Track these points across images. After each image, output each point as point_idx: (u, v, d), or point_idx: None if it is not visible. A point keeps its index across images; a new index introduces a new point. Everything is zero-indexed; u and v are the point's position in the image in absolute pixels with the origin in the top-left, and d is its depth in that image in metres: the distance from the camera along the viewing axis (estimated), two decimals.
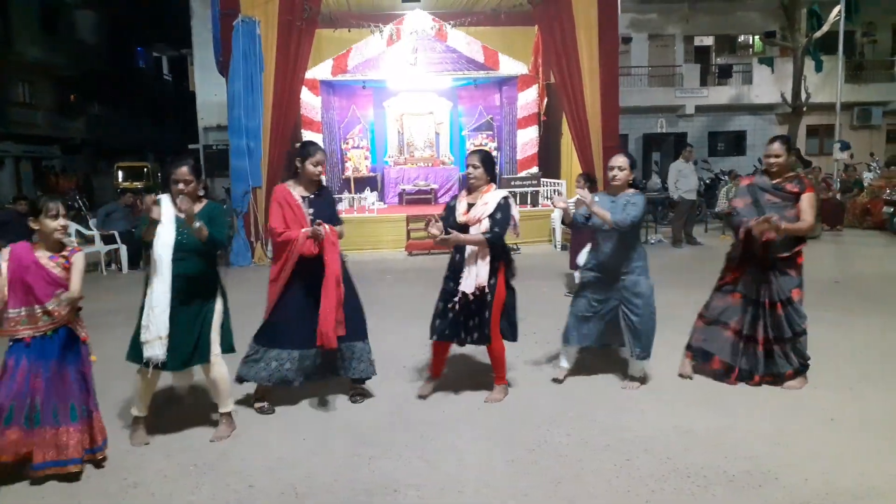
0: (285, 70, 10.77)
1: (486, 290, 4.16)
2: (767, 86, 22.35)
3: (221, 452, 3.69)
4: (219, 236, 3.82)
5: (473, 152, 4.33)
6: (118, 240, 10.07)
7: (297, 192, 4.22)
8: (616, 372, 4.88)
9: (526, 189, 12.58)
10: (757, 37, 24.06)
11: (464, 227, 4.18)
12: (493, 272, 4.17)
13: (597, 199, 4.42)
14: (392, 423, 4.06)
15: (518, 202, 12.38)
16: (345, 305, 4.14)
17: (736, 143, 24.07)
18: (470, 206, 4.24)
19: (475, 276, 4.13)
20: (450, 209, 4.33)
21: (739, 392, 4.41)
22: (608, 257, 4.43)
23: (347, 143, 14.96)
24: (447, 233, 4.10)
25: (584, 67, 11.07)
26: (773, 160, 4.37)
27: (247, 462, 3.57)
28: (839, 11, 17.20)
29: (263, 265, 10.58)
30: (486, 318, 4.20)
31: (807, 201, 4.27)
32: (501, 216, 4.16)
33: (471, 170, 4.27)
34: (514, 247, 11.22)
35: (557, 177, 13.25)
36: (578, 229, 4.90)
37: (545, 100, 14.16)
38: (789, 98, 20.10)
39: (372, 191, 13.60)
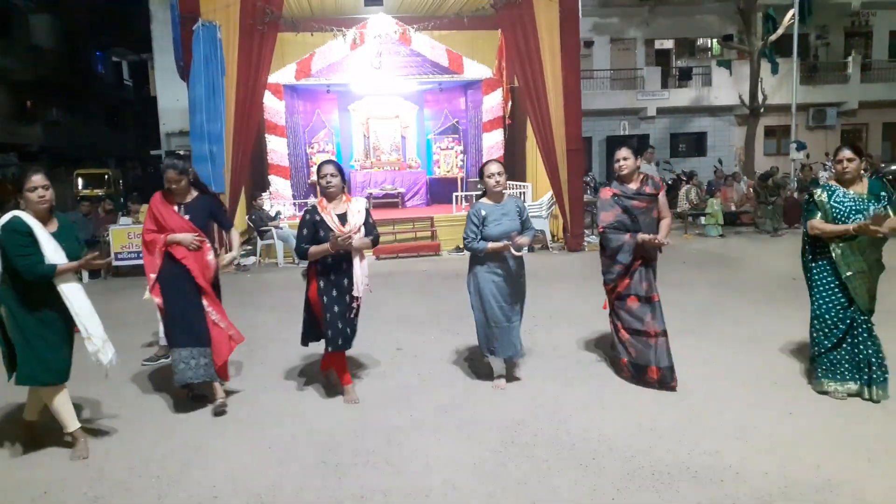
0: (247, 74, 10.66)
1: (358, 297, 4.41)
2: (726, 88, 22.84)
3: (185, 463, 3.63)
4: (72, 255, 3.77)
5: (327, 162, 4.38)
6: None
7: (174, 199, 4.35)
8: (582, 372, 4.94)
9: None
10: (715, 40, 24.59)
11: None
12: None
13: (483, 211, 4.46)
14: (357, 429, 4.04)
15: None
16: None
17: (697, 144, 24.52)
18: (340, 216, 4.32)
19: (362, 280, 4.36)
20: (313, 223, 4.30)
21: (699, 388, 4.49)
22: (514, 264, 4.55)
23: (313, 148, 14.85)
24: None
25: (546, 71, 11.16)
26: (621, 163, 4.61)
27: (211, 472, 3.52)
28: (793, 15, 17.67)
29: (227, 272, 10.44)
30: (355, 324, 4.50)
31: (664, 198, 4.64)
32: (372, 220, 4.50)
33: (329, 178, 4.30)
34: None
35: (523, 179, 13.34)
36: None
37: (510, 103, 14.25)
38: (747, 100, 20.61)
39: None
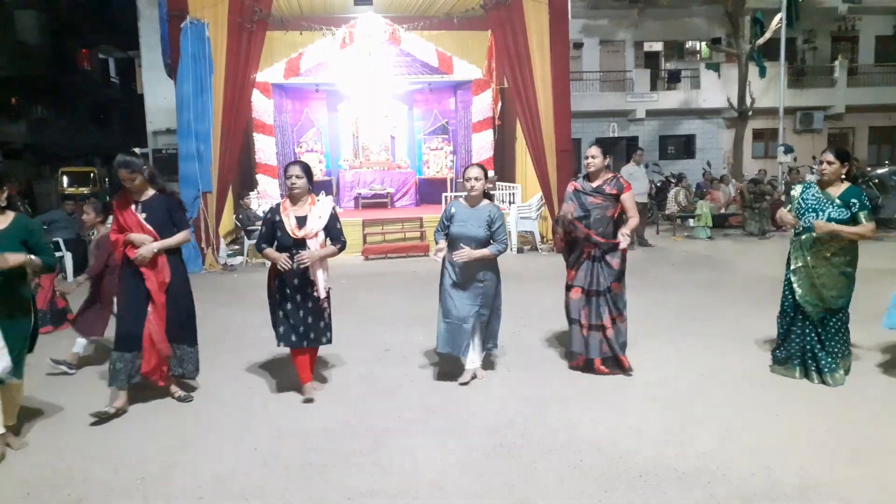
0: (236, 73, 10.60)
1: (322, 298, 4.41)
2: (715, 91, 22.96)
3: (170, 464, 3.60)
4: (48, 262, 3.80)
5: (294, 163, 4.36)
6: (63, 248, 9.74)
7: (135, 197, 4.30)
8: (570, 373, 4.94)
9: None
10: (704, 43, 24.72)
11: (301, 242, 4.28)
12: None
13: (453, 209, 4.65)
14: (344, 429, 4.01)
15: None
16: (179, 311, 4.35)
17: (686, 147, 24.64)
18: (299, 219, 4.30)
19: (323, 281, 4.38)
20: (271, 224, 4.33)
21: (687, 390, 4.51)
22: (466, 268, 4.56)
23: (301, 147, 14.80)
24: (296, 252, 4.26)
25: (536, 72, 11.18)
26: (589, 160, 4.74)
27: (196, 473, 3.48)
28: (780, 19, 17.80)
29: (215, 272, 10.39)
30: (329, 320, 4.51)
31: (629, 199, 4.72)
32: (339, 225, 4.45)
33: (294, 179, 4.28)
34: None
35: (513, 180, 13.35)
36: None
37: (500, 104, 14.26)
38: (735, 103, 20.73)
39: (327, 195, 13.38)
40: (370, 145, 15.22)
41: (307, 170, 4.37)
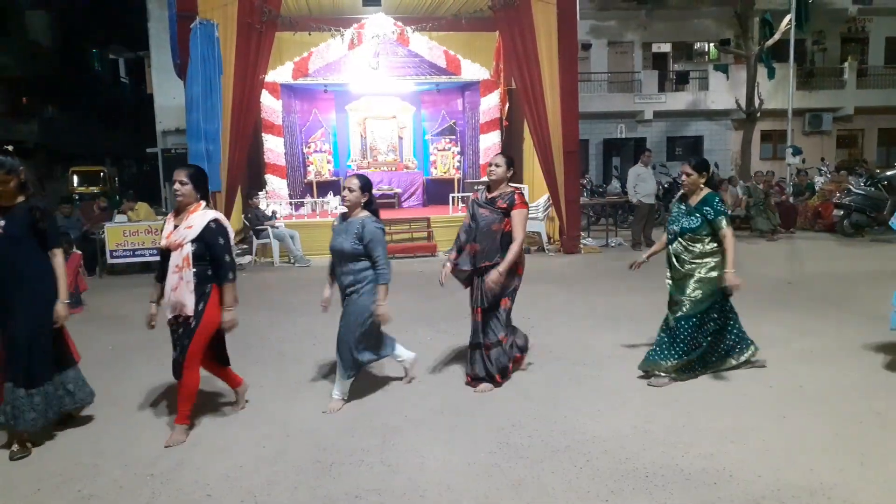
0: (244, 73, 10.66)
1: (192, 318, 3.82)
2: (723, 92, 22.91)
3: (178, 461, 3.63)
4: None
5: (181, 168, 3.96)
6: (73, 247, 9.80)
7: None
8: (576, 374, 4.94)
9: None
10: (712, 44, 24.66)
11: (166, 254, 3.87)
12: (200, 297, 3.83)
13: (336, 221, 4.44)
14: (352, 428, 4.03)
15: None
16: (42, 336, 3.75)
17: (693, 148, 24.59)
18: (176, 227, 3.89)
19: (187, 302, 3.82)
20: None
21: (695, 391, 4.51)
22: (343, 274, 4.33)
23: (309, 147, 14.84)
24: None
25: (544, 73, 11.18)
26: (493, 168, 4.60)
27: (204, 470, 3.51)
28: (790, 20, 17.72)
29: None
30: (185, 346, 3.84)
31: (517, 217, 4.49)
32: (224, 241, 3.85)
33: (178, 186, 3.87)
34: None
35: (520, 181, 13.33)
36: None
37: (507, 105, 14.26)
38: (743, 104, 20.67)
39: (335, 195, 13.53)
40: (378, 145, 15.25)
41: (196, 176, 3.91)
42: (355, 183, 4.34)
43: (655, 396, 4.44)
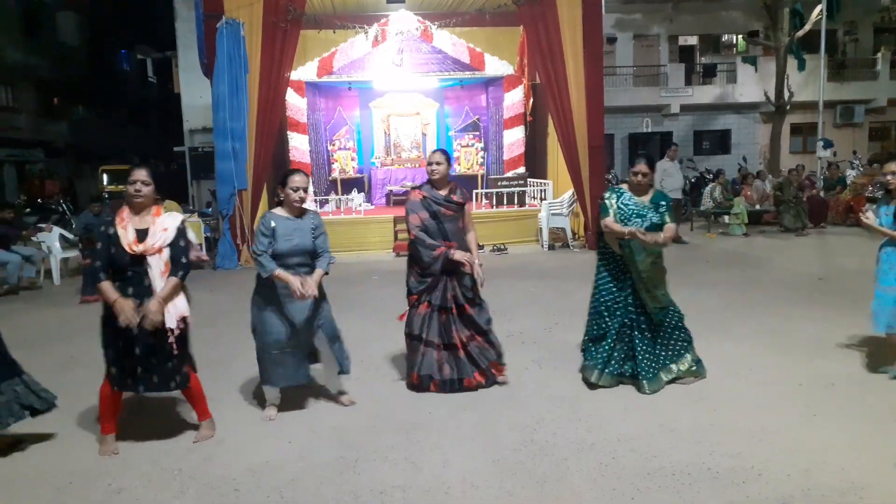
0: (270, 72, 10.74)
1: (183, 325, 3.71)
2: (751, 85, 22.52)
3: (206, 457, 3.68)
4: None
5: (139, 167, 3.72)
6: None
7: None
8: None
9: (513, 189, 12.61)
10: (740, 36, 24.26)
11: (139, 260, 3.57)
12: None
13: (273, 223, 4.03)
14: (377, 425, 4.05)
15: (505, 202, 12.45)
16: None
17: (721, 142, 24.24)
18: (139, 232, 3.61)
19: (177, 308, 3.66)
20: (107, 237, 3.58)
21: (722, 389, 4.45)
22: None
23: (334, 145, 14.91)
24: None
25: (569, 67, 11.09)
26: (434, 167, 4.50)
27: (232, 466, 3.55)
28: (821, 11, 17.37)
29: (250, 267, 10.54)
30: (184, 357, 3.75)
31: (469, 210, 4.63)
32: (185, 243, 3.73)
33: (140, 186, 3.62)
34: (502, 246, 11.33)
35: (544, 177, 13.28)
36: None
37: (531, 100, 14.18)
38: (773, 97, 20.31)
39: (359, 192, 13.58)
40: (402, 142, 15.27)
41: (154, 176, 3.70)
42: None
43: (681, 394, 4.39)
